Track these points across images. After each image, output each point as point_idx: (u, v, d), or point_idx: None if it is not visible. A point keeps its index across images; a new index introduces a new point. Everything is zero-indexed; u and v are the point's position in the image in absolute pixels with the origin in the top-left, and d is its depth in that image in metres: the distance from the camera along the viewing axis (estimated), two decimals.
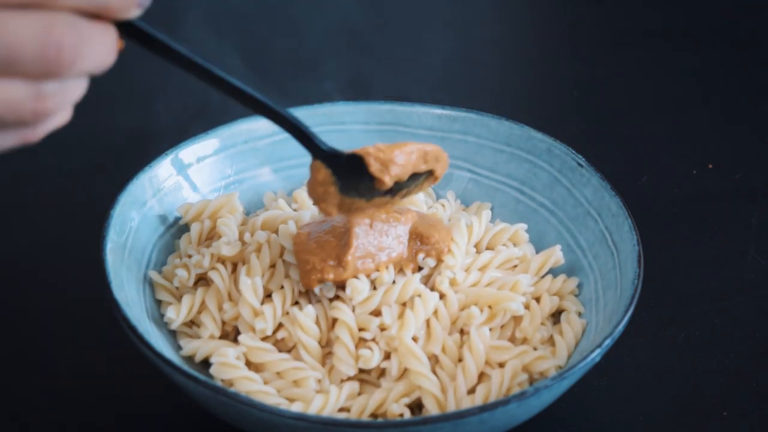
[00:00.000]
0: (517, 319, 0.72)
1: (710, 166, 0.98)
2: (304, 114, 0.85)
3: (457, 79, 1.14)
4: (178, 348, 0.72)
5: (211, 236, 0.78)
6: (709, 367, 0.77)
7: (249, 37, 1.22)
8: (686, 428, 0.73)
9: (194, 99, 1.08)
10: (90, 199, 0.90)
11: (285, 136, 0.84)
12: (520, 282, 0.73)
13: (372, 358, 0.68)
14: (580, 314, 0.73)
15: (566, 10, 1.29)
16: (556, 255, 0.76)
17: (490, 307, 0.72)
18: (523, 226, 0.79)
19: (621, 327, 0.65)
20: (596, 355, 0.64)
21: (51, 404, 0.74)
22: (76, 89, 0.51)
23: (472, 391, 0.68)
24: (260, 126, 0.84)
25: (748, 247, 0.88)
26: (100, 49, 0.50)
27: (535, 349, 0.71)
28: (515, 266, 0.78)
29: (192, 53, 0.57)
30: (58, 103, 0.51)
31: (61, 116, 0.53)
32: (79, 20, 0.49)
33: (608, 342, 0.64)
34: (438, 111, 0.85)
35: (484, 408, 0.60)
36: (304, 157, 0.85)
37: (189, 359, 0.71)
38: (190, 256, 0.76)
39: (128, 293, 0.70)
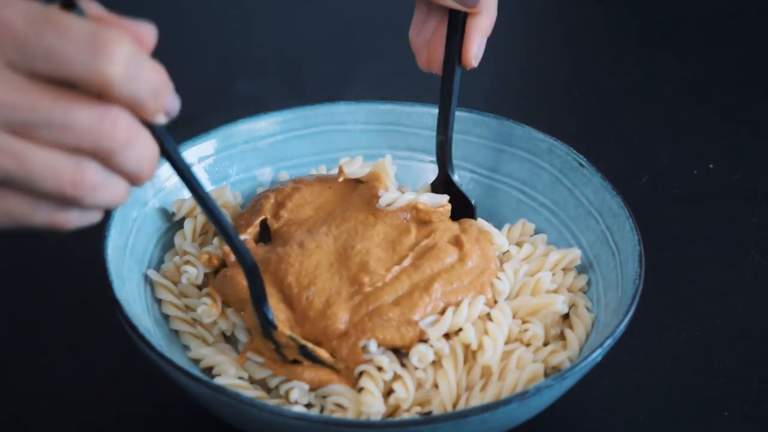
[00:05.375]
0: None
1: (711, 166, 0.98)
2: (305, 114, 0.84)
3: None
4: (183, 348, 0.72)
5: (205, 231, 0.78)
6: (709, 367, 0.77)
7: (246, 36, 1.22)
8: (686, 428, 0.73)
9: (195, 99, 1.08)
10: None
11: (286, 136, 0.85)
12: (543, 280, 0.73)
13: (408, 399, 0.66)
14: (588, 309, 0.73)
15: (566, 10, 1.29)
16: (573, 254, 0.76)
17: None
18: (524, 220, 0.80)
19: (622, 327, 0.65)
20: (597, 355, 0.64)
21: (51, 404, 0.74)
22: (115, 186, 0.52)
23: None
24: (261, 126, 0.84)
25: (749, 247, 0.88)
26: (147, 150, 0.52)
27: (546, 344, 0.71)
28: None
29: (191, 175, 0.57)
30: (97, 185, 0.51)
31: (93, 215, 0.53)
32: (130, 114, 0.50)
33: (609, 342, 0.64)
34: None
35: (486, 408, 0.60)
36: (305, 156, 0.85)
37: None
38: (185, 253, 0.76)
39: (129, 292, 0.70)
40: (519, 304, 0.71)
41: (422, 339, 0.68)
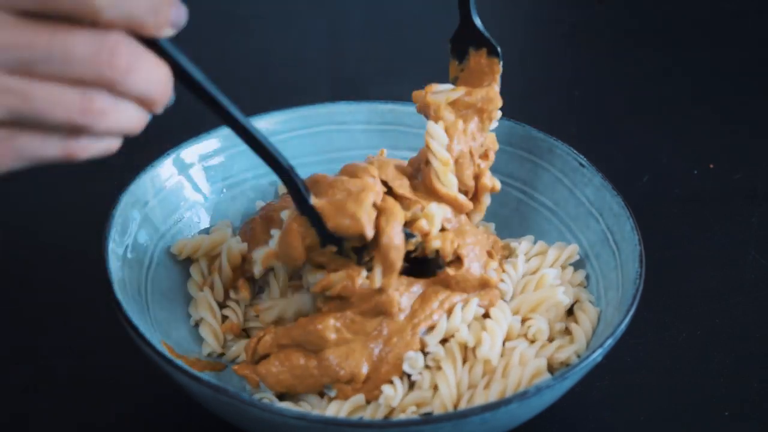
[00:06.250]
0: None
1: (711, 166, 0.98)
2: (306, 114, 0.84)
3: None
4: (179, 346, 0.72)
5: (213, 270, 0.77)
6: (709, 367, 0.77)
7: (248, 37, 1.22)
8: (687, 428, 0.73)
9: (195, 98, 1.08)
10: (91, 199, 0.90)
11: (286, 136, 0.85)
12: (547, 276, 0.73)
13: (396, 397, 0.66)
14: (591, 303, 0.73)
15: (566, 10, 1.29)
16: (570, 249, 0.76)
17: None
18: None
19: (623, 327, 0.65)
20: (598, 355, 0.64)
21: (51, 404, 0.74)
22: (126, 110, 0.51)
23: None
24: (262, 126, 0.83)
25: (749, 247, 0.88)
26: (154, 72, 0.51)
27: (551, 340, 0.71)
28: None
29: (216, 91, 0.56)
30: (107, 110, 0.50)
31: (108, 143, 0.52)
32: (131, 39, 0.49)
33: (610, 342, 0.64)
34: None
35: (486, 408, 0.60)
36: (306, 156, 0.85)
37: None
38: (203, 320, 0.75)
39: (130, 293, 0.70)
40: (520, 301, 0.71)
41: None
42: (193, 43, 1.26)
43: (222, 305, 0.76)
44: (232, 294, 0.76)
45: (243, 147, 0.82)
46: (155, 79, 0.51)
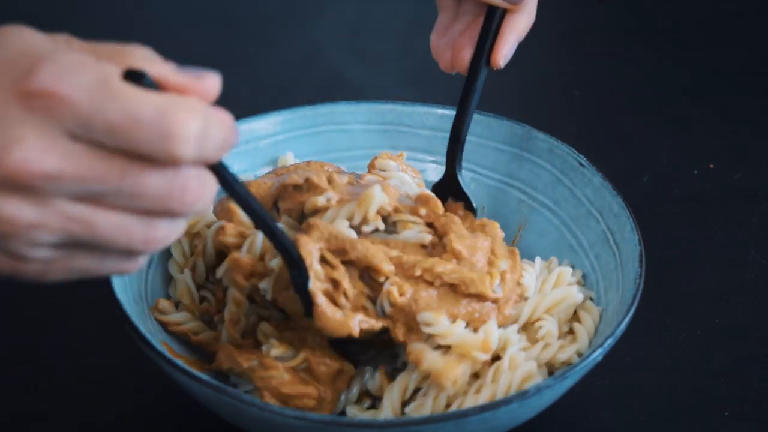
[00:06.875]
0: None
1: (711, 166, 0.98)
2: (306, 114, 0.84)
3: (459, 79, 1.14)
4: (179, 346, 0.72)
5: (197, 252, 0.76)
6: (709, 367, 0.77)
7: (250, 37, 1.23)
8: (687, 428, 0.73)
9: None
10: None
11: (286, 136, 0.85)
12: (565, 273, 0.73)
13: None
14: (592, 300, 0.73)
15: (566, 10, 1.29)
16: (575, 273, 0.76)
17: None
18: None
19: (623, 327, 0.65)
20: (598, 355, 0.64)
21: (51, 404, 0.74)
22: (180, 227, 0.51)
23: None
24: (261, 126, 0.84)
25: (749, 247, 0.88)
26: (211, 193, 0.50)
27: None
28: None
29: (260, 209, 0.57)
30: (166, 236, 0.50)
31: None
32: (199, 170, 0.49)
33: (610, 341, 0.64)
34: (440, 111, 0.85)
35: (486, 407, 0.60)
36: (305, 157, 0.85)
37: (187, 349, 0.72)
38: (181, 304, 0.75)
39: (130, 293, 0.70)
40: (537, 300, 0.70)
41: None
42: (194, 44, 1.26)
43: (200, 287, 0.76)
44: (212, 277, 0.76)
45: (243, 147, 0.83)
46: (210, 197, 0.51)
